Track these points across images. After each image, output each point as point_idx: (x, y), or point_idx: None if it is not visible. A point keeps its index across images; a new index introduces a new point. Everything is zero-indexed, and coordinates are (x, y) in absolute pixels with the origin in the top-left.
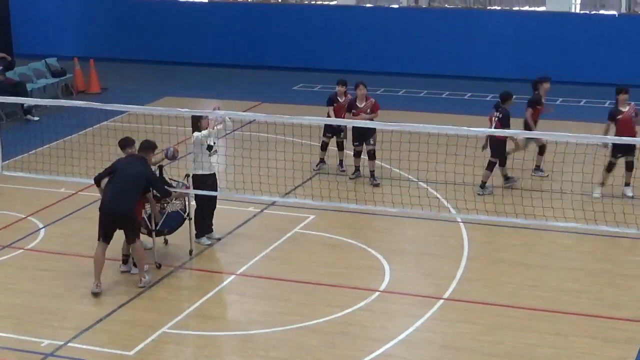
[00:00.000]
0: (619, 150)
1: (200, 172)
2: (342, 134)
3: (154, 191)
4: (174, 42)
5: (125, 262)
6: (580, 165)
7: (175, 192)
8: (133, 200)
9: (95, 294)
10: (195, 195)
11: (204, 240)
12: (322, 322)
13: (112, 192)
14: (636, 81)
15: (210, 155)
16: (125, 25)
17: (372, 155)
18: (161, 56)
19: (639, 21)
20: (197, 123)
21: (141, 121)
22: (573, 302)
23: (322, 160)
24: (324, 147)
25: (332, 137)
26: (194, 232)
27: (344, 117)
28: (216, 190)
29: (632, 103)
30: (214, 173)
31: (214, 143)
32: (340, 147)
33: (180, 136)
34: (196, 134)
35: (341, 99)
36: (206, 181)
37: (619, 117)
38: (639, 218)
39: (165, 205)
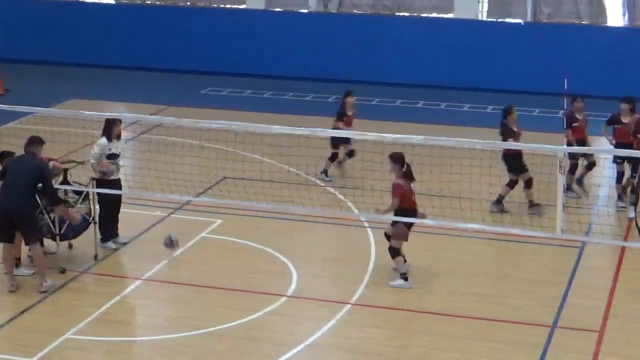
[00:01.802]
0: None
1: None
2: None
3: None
4: (80, 44)
5: (17, 265)
6: (487, 169)
7: (60, 205)
8: (27, 195)
9: (11, 292)
10: (99, 199)
11: (110, 244)
12: (229, 327)
13: (5, 189)
14: (539, 88)
15: (112, 164)
16: (29, 26)
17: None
18: (67, 58)
19: (544, 29)
20: (109, 127)
21: (47, 123)
22: (478, 307)
23: (325, 172)
24: (334, 158)
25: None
26: (99, 236)
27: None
28: (120, 197)
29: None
30: (119, 179)
31: (119, 152)
32: (351, 154)
33: (87, 138)
34: (102, 140)
35: (350, 112)
36: (110, 186)
37: (575, 124)
38: (544, 221)
39: (70, 209)
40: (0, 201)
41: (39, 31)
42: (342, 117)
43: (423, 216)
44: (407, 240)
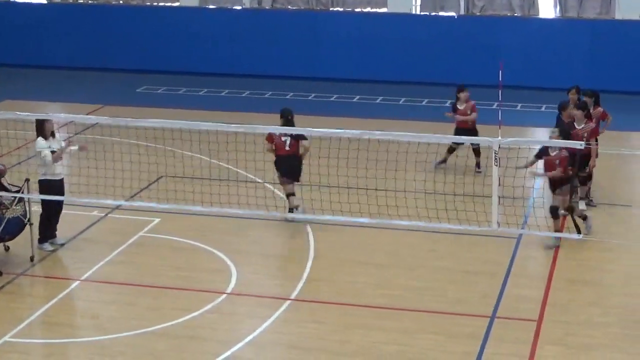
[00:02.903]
0: None
1: (48, 177)
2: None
3: None
4: (12, 44)
5: None
6: (423, 164)
7: (8, 195)
8: None
9: None
10: (42, 199)
11: (47, 246)
12: (170, 325)
13: None
14: (473, 80)
15: (53, 162)
16: None
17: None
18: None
19: (476, 22)
20: (41, 127)
21: None
22: (417, 300)
23: (444, 161)
24: (452, 150)
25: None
26: (35, 237)
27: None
28: (63, 195)
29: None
30: (62, 179)
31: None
32: (477, 152)
33: (20, 140)
34: (39, 140)
35: (461, 107)
36: (53, 187)
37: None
38: (480, 215)
39: (5, 211)
40: None
41: None
42: (454, 110)
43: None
44: (287, 185)
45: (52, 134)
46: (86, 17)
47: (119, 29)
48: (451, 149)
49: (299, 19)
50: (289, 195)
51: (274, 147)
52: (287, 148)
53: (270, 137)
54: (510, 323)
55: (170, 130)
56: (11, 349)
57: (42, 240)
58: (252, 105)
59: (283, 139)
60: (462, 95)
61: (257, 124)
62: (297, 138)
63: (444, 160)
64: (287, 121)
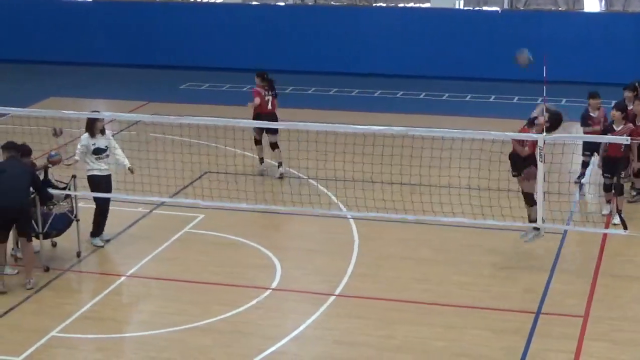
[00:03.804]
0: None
1: (95, 173)
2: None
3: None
4: (55, 41)
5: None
6: (468, 161)
7: (57, 193)
8: (24, 194)
9: (1, 293)
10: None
11: (97, 241)
12: (214, 321)
13: (3, 190)
14: (517, 76)
15: (99, 159)
16: (4, 24)
17: None
18: (45, 56)
19: (520, 17)
20: (92, 125)
21: (25, 123)
22: (462, 295)
23: (582, 175)
24: (586, 164)
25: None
26: (82, 233)
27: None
28: (110, 192)
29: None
30: (109, 175)
31: (106, 147)
32: (585, 165)
33: (66, 138)
34: (83, 136)
35: (594, 114)
36: (100, 182)
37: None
38: (524, 211)
39: (52, 207)
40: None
41: (17, 29)
42: (586, 120)
43: None
44: (258, 139)
45: (102, 131)
46: (129, 14)
47: (162, 25)
48: (585, 163)
49: (342, 14)
50: (274, 147)
51: (258, 103)
52: (269, 107)
53: (256, 93)
54: (556, 319)
55: (214, 127)
56: (58, 343)
57: (93, 235)
58: (295, 102)
59: (267, 98)
60: (594, 102)
61: (299, 121)
62: (275, 96)
63: (582, 175)
64: (264, 79)
